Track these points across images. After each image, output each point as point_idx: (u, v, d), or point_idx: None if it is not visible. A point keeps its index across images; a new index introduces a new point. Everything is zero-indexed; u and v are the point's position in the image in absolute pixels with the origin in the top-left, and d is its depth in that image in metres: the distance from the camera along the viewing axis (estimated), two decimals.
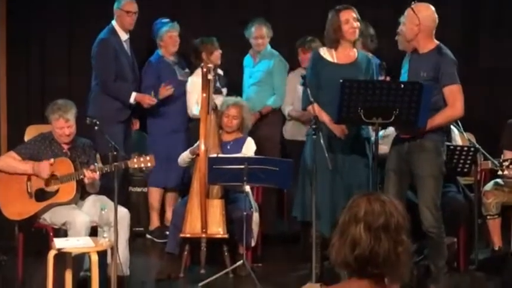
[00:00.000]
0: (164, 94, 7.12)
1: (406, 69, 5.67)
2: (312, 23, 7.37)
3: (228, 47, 7.50)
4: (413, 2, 5.60)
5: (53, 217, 5.90)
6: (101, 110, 6.90)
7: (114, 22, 7.14)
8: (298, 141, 6.88)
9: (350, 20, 5.80)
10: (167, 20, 7.35)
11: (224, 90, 7.29)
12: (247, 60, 7.62)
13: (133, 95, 7.07)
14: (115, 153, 5.55)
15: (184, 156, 6.40)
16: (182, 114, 7.27)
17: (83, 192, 6.03)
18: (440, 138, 5.61)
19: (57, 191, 5.88)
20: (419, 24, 5.53)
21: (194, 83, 7.00)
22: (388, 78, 6.39)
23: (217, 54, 7.25)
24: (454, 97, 5.49)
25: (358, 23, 5.85)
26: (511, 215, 6.39)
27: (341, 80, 5.28)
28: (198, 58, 7.18)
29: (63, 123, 5.91)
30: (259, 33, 7.40)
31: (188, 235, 6.09)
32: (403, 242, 2.65)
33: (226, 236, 6.05)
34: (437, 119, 5.48)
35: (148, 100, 7.08)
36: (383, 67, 6.46)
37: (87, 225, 5.76)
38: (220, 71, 7.31)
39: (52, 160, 5.83)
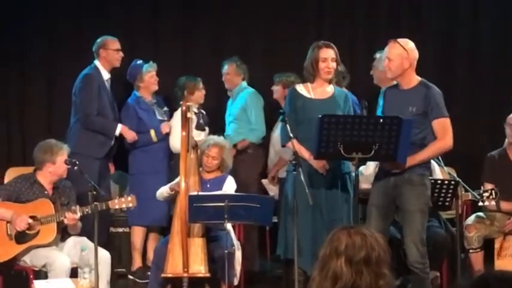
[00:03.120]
0: (166, 130, 7.14)
1: (382, 104, 5.67)
2: (291, 60, 7.44)
3: (211, 86, 7.55)
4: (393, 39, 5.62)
5: (33, 259, 5.86)
6: (79, 146, 6.80)
7: (96, 61, 7.14)
8: (280, 178, 6.90)
9: (328, 59, 5.80)
10: (141, 61, 7.35)
11: (206, 129, 7.30)
12: (230, 100, 7.67)
13: (119, 126, 7.06)
14: (95, 192, 5.53)
15: (163, 191, 6.37)
16: (164, 154, 7.26)
17: (63, 234, 6.01)
18: (426, 172, 5.62)
19: (37, 232, 5.85)
20: (408, 57, 5.52)
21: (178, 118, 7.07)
22: None
23: (199, 94, 7.30)
24: (444, 130, 5.50)
25: (335, 64, 5.83)
26: (493, 248, 6.39)
27: (320, 115, 5.28)
28: (183, 95, 7.23)
29: (66, 157, 5.98)
30: (227, 71, 7.51)
31: (170, 275, 6.02)
32: (384, 276, 2.63)
33: (208, 275, 5.99)
34: (428, 152, 5.49)
35: (133, 135, 7.07)
36: (364, 105, 6.44)
37: (68, 267, 5.72)
38: (202, 111, 7.35)
39: (30, 220, 5.80)
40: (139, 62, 7.32)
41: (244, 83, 7.57)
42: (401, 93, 5.57)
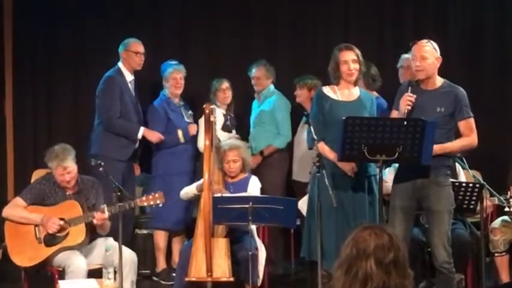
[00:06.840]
0: (193, 132, 7.17)
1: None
2: (318, 63, 7.44)
3: (238, 89, 7.57)
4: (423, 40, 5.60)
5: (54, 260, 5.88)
6: (102, 149, 6.89)
7: (120, 63, 7.16)
8: (304, 182, 6.89)
9: (348, 61, 5.80)
10: (175, 61, 7.38)
11: (233, 132, 7.33)
12: (255, 102, 7.69)
13: (142, 129, 7.08)
14: (119, 193, 5.54)
15: (188, 191, 6.38)
16: (189, 156, 7.29)
17: (91, 235, 6.01)
18: (449, 173, 5.64)
19: (66, 234, 5.86)
20: (438, 57, 5.54)
21: None
22: None
23: (221, 95, 7.32)
24: (471, 129, 5.54)
25: (357, 65, 5.82)
26: None
27: (344, 117, 5.27)
28: (213, 97, 7.37)
29: (61, 171, 5.93)
30: (257, 75, 7.51)
31: (193, 279, 6.01)
32: (410, 275, 2.63)
33: (231, 279, 5.96)
34: (457, 144, 5.52)
35: (158, 136, 7.09)
36: None
37: (84, 269, 5.74)
38: (231, 114, 7.39)
39: (62, 222, 5.81)
40: (171, 62, 7.35)
41: (272, 86, 7.57)
42: (427, 94, 5.53)
